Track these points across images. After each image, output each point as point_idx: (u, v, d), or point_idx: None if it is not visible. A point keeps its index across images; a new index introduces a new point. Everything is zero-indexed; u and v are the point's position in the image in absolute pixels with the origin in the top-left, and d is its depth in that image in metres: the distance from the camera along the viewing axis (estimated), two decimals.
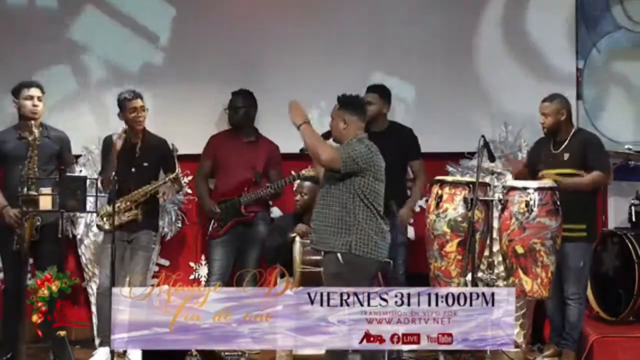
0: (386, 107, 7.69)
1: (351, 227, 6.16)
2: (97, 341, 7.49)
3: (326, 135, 6.48)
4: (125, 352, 7.04)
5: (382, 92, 7.68)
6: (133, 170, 7.30)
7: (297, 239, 7.03)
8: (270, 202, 7.85)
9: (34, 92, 7.33)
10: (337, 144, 6.34)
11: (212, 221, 7.71)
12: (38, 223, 7.13)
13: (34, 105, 7.30)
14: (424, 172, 7.71)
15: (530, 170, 7.25)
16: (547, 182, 6.89)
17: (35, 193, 6.89)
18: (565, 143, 7.10)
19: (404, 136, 7.69)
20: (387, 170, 7.37)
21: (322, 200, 6.26)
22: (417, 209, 8.21)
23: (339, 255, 6.13)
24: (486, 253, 6.93)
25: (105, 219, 7.21)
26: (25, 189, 6.91)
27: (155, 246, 7.75)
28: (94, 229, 7.69)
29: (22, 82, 7.39)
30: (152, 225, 7.46)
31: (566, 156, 7.05)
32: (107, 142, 7.37)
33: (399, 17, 8.19)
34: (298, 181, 7.55)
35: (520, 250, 6.73)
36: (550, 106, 7.10)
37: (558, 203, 6.77)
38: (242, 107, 7.78)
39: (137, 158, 7.34)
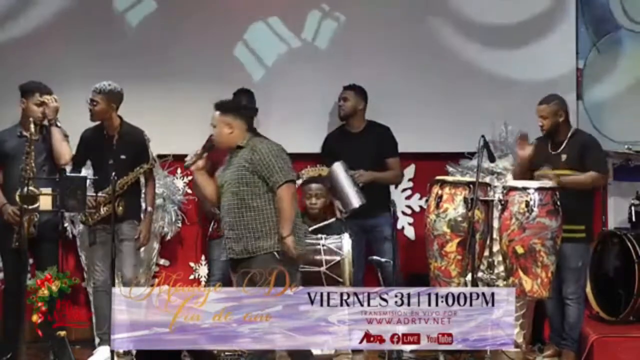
0: (362, 104, 7.79)
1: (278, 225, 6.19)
2: (96, 340, 7.50)
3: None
4: (126, 352, 7.04)
5: (357, 90, 7.78)
6: (111, 162, 7.25)
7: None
8: None
9: (46, 98, 7.19)
10: (225, 147, 6.35)
11: (212, 221, 7.71)
12: (36, 219, 7.11)
13: (42, 113, 7.25)
14: (399, 169, 7.84)
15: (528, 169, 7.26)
16: (547, 183, 6.89)
17: (35, 190, 6.89)
18: (564, 144, 7.09)
19: (381, 134, 7.75)
20: (365, 169, 7.50)
21: (235, 207, 6.21)
22: (417, 209, 8.23)
23: (275, 253, 6.15)
24: (486, 253, 6.93)
25: (87, 214, 7.19)
26: (25, 187, 6.90)
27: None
28: None
29: (36, 86, 7.24)
30: (133, 215, 7.33)
31: (564, 157, 7.04)
32: (82, 135, 7.39)
33: (399, 18, 8.20)
34: (299, 182, 7.55)
35: (520, 250, 6.73)
36: (547, 108, 7.08)
37: (558, 203, 6.77)
38: (246, 107, 7.77)
39: (115, 150, 7.28)
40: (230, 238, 6.24)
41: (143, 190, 7.44)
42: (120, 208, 7.18)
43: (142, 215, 7.40)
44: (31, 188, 6.91)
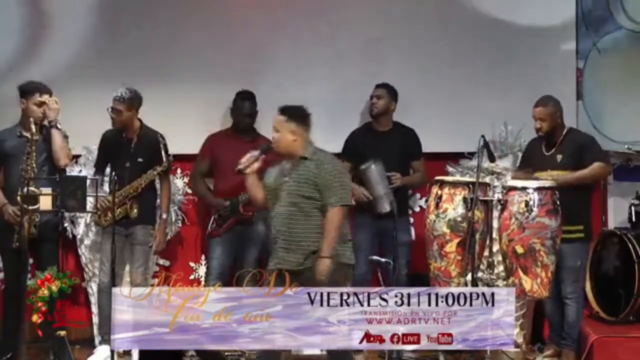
0: (393, 104, 7.79)
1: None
2: (97, 340, 7.50)
3: None
4: (126, 352, 7.05)
5: (390, 89, 7.77)
6: (127, 165, 7.29)
7: None
8: None
9: (46, 99, 7.20)
10: (284, 153, 6.25)
11: (212, 220, 7.71)
12: (37, 219, 7.10)
13: (43, 113, 7.21)
14: (424, 170, 7.79)
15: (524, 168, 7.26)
16: (546, 182, 6.89)
17: (36, 190, 6.89)
18: (558, 144, 7.10)
19: (407, 136, 7.77)
20: (390, 169, 7.49)
21: (293, 218, 6.15)
22: (417, 209, 8.22)
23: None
24: (486, 253, 6.93)
25: (101, 215, 7.23)
26: (26, 188, 6.90)
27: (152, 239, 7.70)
28: (94, 228, 7.70)
29: (36, 86, 7.23)
30: (148, 220, 7.42)
31: (559, 158, 7.05)
32: (103, 137, 7.45)
33: (399, 18, 8.20)
34: None
35: (520, 250, 6.73)
36: (545, 110, 7.07)
37: (558, 203, 6.78)
38: (249, 114, 7.75)
39: (132, 153, 7.33)
40: (283, 248, 6.18)
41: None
42: (135, 210, 7.21)
43: (157, 219, 7.45)
44: (32, 188, 6.91)
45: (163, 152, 7.29)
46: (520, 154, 7.86)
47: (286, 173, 6.25)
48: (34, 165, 7.07)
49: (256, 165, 6.29)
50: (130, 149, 7.35)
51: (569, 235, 6.92)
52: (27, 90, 7.25)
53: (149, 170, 7.29)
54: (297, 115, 6.25)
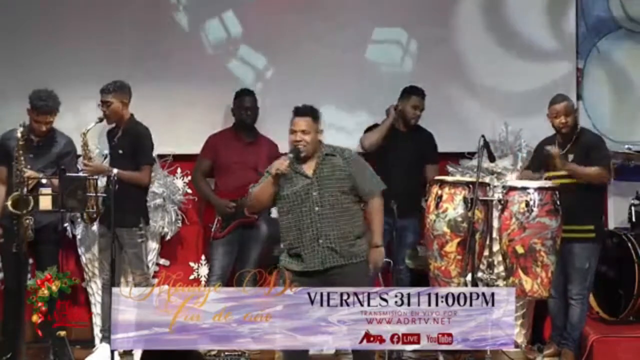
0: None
1: (363, 233, 6.26)
2: (97, 339, 7.50)
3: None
4: (126, 352, 7.05)
5: (424, 97, 7.81)
6: (104, 154, 7.27)
7: None
8: None
9: (43, 118, 7.15)
10: (311, 154, 6.20)
11: (215, 221, 7.70)
12: (31, 222, 7.01)
13: (39, 132, 7.19)
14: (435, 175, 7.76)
15: (535, 170, 7.25)
16: (547, 182, 6.89)
17: (28, 193, 6.88)
18: (571, 144, 7.10)
19: (425, 139, 7.78)
20: (404, 170, 7.48)
21: (336, 216, 6.18)
22: None
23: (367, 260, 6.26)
24: (486, 253, 6.92)
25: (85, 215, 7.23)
26: (20, 190, 6.89)
27: (142, 240, 7.49)
28: (94, 228, 7.69)
29: (36, 104, 7.13)
30: (131, 222, 7.26)
31: (570, 157, 7.06)
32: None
33: (399, 18, 8.21)
34: None
35: (520, 250, 6.73)
36: (565, 106, 7.06)
37: (558, 203, 6.78)
38: (251, 107, 7.76)
39: (113, 145, 7.30)
40: (328, 248, 6.17)
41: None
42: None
43: (141, 224, 7.34)
44: (24, 191, 6.88)
45: (148, 149, 7.24)
46: (520, 154, 7.86)
47: (309, 175, 6.21)
48: (24, 169, 7.00)
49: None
50: (112, 141, 7.31)
51: (580, 235, 6.94)
52: (30, 102, 7.17)
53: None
54: (317, 114, 6.26)
